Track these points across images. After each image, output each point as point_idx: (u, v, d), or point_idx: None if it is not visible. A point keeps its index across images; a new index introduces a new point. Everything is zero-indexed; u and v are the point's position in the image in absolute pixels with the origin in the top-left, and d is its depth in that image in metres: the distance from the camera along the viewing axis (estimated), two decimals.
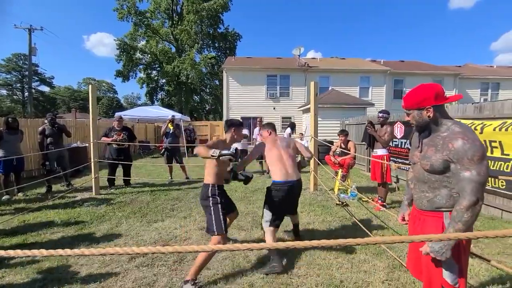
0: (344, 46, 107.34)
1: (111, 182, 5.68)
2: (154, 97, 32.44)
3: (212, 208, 2.26)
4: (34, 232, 3.25)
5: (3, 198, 4.70)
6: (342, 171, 5.12)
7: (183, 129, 11.75)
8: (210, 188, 2.32)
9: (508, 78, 18.39)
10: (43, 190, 5.31)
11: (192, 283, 2.10)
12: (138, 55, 28.09)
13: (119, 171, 5.91)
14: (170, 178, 6.39)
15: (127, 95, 60.85)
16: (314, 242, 0.83)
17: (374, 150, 4.44)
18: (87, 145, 7.39)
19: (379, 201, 4.27)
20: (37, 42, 44.35)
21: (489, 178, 3.78)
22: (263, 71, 16.92)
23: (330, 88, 15.72)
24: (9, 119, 4.96)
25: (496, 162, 3.65)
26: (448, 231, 1.20)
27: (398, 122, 5.95)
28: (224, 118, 17.07)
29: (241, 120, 7.85)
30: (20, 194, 5.02)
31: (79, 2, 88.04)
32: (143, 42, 28.69)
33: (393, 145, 6.10)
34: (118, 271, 2.41)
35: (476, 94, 18.26)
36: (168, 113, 11.06)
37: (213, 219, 2.22)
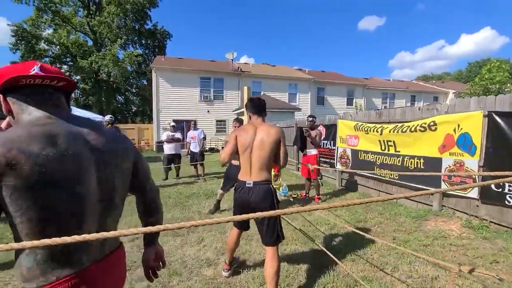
0: (274, 54, 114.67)
1: None
2: None
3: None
4: None
5: None
6: (274, 171, 5.48)
7: None
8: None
9: (401, 90, 22.98)
10: None
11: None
12: (42, 45, 23.76)
13: None
14: None
15: None
16: None
17: (308, 150, 5.05)
18: None
19: (316, 196, 4.99)
20: None
21: (387, 171, 4.65)
22: (196, 73, 16.57)
23: (262, 93, 16.52)
24: None
25: (391, 158, 4.52)
26: None
27: (321, 125, 6.73)
28: (154, 121, 15.97)
29: (173, 122, 7.48)
30: None
31: None
32: (49, 31, 24.43)
33: None
34: None
35: (379, 102, 22.13)
36: (84, 114, 9.71)
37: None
